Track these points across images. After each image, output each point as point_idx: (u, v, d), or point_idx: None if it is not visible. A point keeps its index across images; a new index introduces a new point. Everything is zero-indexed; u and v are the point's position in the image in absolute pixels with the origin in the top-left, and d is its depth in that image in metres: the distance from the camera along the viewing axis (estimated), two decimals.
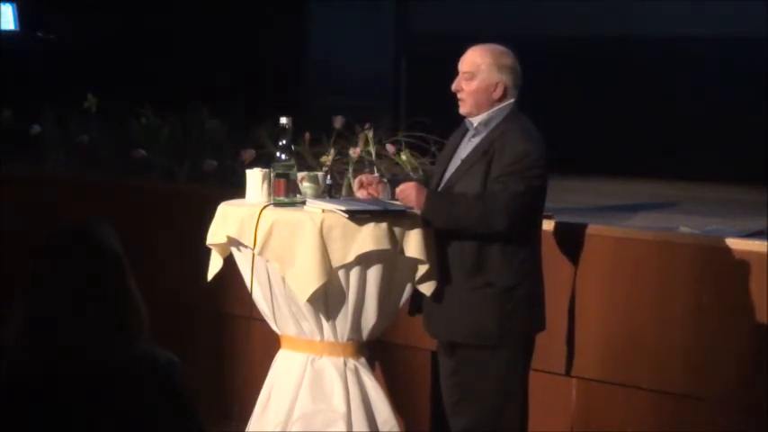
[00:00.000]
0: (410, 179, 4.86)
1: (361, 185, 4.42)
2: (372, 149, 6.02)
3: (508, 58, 4.21)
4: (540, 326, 4.27)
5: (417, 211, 4.14)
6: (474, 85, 4.18)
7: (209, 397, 5.33)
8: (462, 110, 4.24)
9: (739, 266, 4.56)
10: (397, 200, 4.26)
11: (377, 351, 4.56)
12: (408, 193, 4.16)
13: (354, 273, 4.17)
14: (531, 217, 4.17)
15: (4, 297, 3.18)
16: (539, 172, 4.09)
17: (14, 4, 10.00)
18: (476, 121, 4.22)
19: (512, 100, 4.21)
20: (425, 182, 4.43)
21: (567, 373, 4.91)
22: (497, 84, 4.17)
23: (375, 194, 4.39)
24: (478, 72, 4.18)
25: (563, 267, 4.87)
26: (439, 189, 4.24)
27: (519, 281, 4.12)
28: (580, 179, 7.26)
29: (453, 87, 4.23)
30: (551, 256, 4.67)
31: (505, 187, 4.03)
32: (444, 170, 4.29)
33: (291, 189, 4.34)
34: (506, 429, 4.20)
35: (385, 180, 4.49)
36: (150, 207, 6.31)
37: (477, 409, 4.21)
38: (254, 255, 4.23)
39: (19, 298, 2.60)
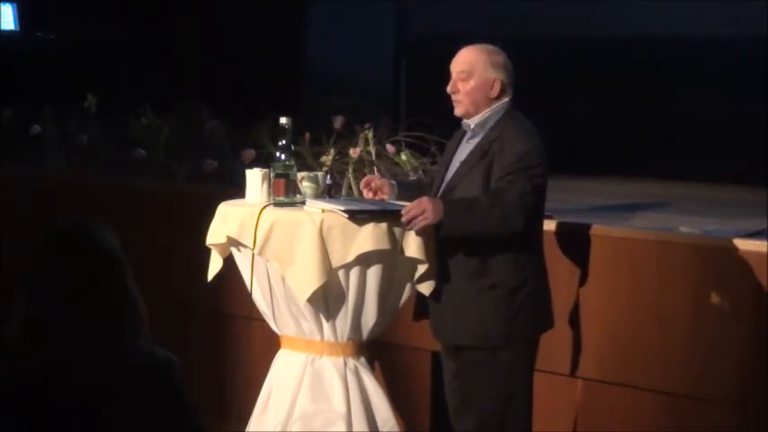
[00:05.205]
0: (412, 181, 4.81)
1: (369, 188, 4.33)
2: (372, 149, 6.02)
3: (500, 56, 4.17)
4: (548, 325, 4.25)
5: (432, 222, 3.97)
6: (471, 84, 4.13)
7: (209, 397, 5.33)
8: (458, 111, 4.18)
9: (739, 266, 4.55)
10: (398, 200, 4.24)
11: (377, 351, 4.56)
12: (425, 208, 3.95)
13: (354, 273, 4.17)
14: (535, 216, 4.15)
15: (4, 297, 3.18)
16: (541, 170, 4.05)
17: (14, 4, 10.00)
18: (473, 122, 4.17)
19: (507, 98, 4.17)
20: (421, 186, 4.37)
21: (572, 373, 4.90)
22: (494, 81, 4.13)
23: (384, 197, 4.32)
24: (474, 70, 4.13)
25: (563, 267, 4.86)
26: (439, 193, 4.19)
27: (523, 281, 4.09)
28: (580, 179, 7.27)
29: (449, 89, 4.17)
30: (552, 257, 4.65)
31: (513, 186, 3.97)
32: (444, 174, 4.24)
33: (291, 189, 4.33)
34: (510, 431, 4.19)
35: (393, 182, 4.41)
36: (150, 207, 6.30)
37: (481, 410, 4.18)
38: (253, 255, 4.22)
39: (19, 298, 2.60)
